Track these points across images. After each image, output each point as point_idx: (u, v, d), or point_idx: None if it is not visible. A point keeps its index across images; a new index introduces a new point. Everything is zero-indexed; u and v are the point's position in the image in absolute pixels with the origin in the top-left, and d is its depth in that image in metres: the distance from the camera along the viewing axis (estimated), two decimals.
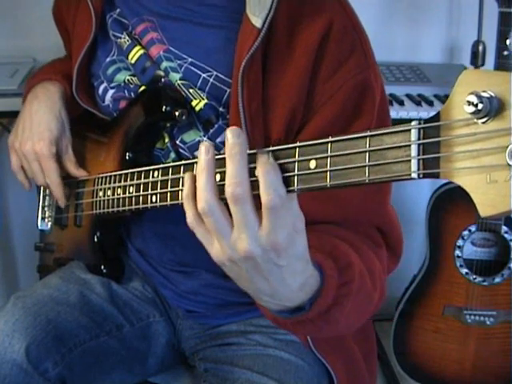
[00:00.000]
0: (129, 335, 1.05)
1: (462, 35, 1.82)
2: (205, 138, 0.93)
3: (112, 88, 1.01)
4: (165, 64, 0.93)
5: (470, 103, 0.46)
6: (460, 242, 1.57)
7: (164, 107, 0.91)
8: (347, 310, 0.72)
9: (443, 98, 1.55)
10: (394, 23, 1.78)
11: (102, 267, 1.06)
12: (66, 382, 0.97)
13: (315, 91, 0.85)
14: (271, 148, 0.60)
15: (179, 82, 0.92)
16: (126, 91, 1.00)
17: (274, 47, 0.86)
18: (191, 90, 0.91)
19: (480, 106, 0.46)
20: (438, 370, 1.67)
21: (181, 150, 0.95)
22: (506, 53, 1.38)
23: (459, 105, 0.48)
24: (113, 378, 1.04)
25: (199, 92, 0.91)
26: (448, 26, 1.83)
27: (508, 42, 1.32)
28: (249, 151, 0.60)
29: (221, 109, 0.91)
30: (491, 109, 0.45)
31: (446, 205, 1.57)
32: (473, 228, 1.55)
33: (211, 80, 0.90)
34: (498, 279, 1.58)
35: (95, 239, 1.04)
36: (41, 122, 1.03)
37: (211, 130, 0.92)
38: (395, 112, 1.48)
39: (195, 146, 0.93)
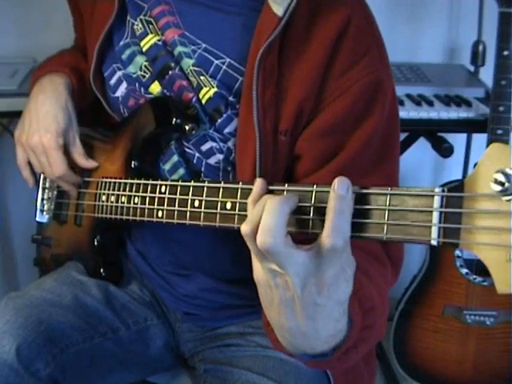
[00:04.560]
0: (125, 338, 1.04)
1: (461, 35, 1.82)
2: (211, 131, 0.92)
3: (125, 78, 0.99)
4: (179, 49, 0.92)
5: (496, 181, 0.47)
6: None
7: (174, 120, 0.90)
8: (362, 351, 0.71)
9: (443, 98, 1.55)
10: (394, 23, 1.78)
11: (102, 270, 1.05)
12: (58, 382, 0.96)
13: (326, 87, 0.85)
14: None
15: (192, 68, 0.91)
16: (137, 84, 0.98)
17: (291, 38, 0.85)
18: (202, 78, 0.90)
19: (507, 185, 0.46)
20: (438, 370, 1.67)
21: (186, 149, 0.95)
22: (506, 53, 1.38)
23: (485, 179, 0.48)
24: (111, 380, 1.03)
25: (210, 80, 0.90)
26: (448, 26, 1.83)
27: None
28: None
29: (231, 98, 0.90)
30: None
31: None
32: None
33: (224, 67, 0.89)
34: None
35: (95, 242, 1.03)
36: (47, 114, 1.01)
37: (219, 120, 0.90)
38: None
39: (201, 141, 0.93)
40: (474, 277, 1.58)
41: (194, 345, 1.07)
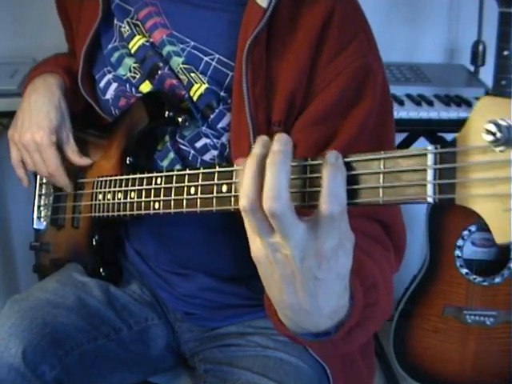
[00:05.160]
0: (127, 339, 1.04)
1: (461, 35, 1.82)
2: (204, 127, 0.92)
3: (115, 80, 1.00)
4: (168, 48, 0.92)
5: (488, 132, 0.46)
6: (460, 242, 1.57)
7: (167, 113, 0.91)
8: (367, 331, 0.71)
9: (443, 98, 1.55)
10: (393, 23, 1.78)
11: (101, 270, 1.05)
12: None
13: (316, 75, 0.85)
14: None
15: (181, 66, 0.91)
16: (127, 85, 0.99)
17: (277, 30, 0.85)
18: (192, 75, 0.91)
19: (498, 135, 0.45)
20: (437, 370, 1.67)
21: (181, 146, 0.95)
22: (506, 53, 1.38)
23: (477, 131, 0.47)
24: (112, 381, 1.04)
25: (201, 76, 0.90)
26: (448, 26, 1.83)
27: None
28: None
29: (222, 93, 0.90)
30: (509, 138, 0.45)
31: None
32: (473, 228, 1.55)
33: (213, 63, 0.90)
34: (498, 279, 1.58)
35: (94, 242, 1.03)
36: (40, 112, 1.02)
37: (211, 116, 0.91)
38: (395, 112, 1.47)
39: (195, 138, 0.93)
40: (474, 277, 1.58)
41: (194, 345, 1.07)
